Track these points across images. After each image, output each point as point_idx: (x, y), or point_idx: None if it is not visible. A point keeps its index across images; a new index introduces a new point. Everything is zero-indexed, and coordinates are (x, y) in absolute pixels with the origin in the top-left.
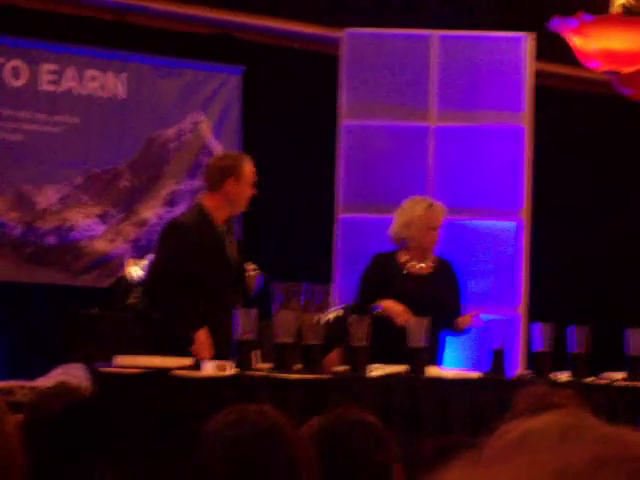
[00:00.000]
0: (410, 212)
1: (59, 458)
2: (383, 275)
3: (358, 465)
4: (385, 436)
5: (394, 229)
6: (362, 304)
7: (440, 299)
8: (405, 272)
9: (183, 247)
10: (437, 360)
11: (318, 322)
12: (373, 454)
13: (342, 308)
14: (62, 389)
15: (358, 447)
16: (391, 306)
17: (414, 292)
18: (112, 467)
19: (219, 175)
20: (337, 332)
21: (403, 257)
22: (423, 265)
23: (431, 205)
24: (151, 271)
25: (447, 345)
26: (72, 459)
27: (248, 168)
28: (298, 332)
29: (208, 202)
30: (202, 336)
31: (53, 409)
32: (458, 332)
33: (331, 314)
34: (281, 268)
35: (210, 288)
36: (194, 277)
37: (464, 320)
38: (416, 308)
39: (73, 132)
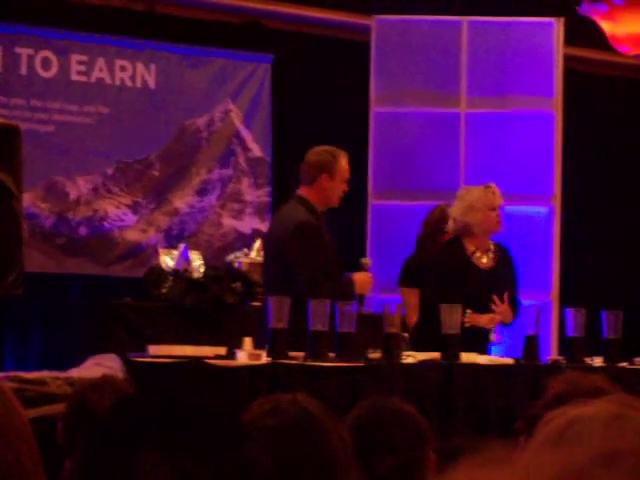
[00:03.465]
0: (469, 196)
1: (106, 453)
2: (451, 266)
3: (396, 455)
4: (422, 426)
5: (455, 217)
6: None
7: (501, 295)
8: (474, 265)
9: (318, 245)
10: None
11: None
12: (411, 444)
13: None
14: (107, 382)
15: (396, 437)
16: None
17: (482, 288)
18: (164, 461)
19: (314, 170)
20: None
21: (470, 247)
22: (486, 259)
23: (487, 186)
24: (300, 276)
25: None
26: (122, 453)
27: (342, 164)
28: (331, 320)
29: (308, 195)
30: None
31: (100, 403)
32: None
33: None
34: None
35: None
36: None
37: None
38: (480, 303)
39: (104, 122)
